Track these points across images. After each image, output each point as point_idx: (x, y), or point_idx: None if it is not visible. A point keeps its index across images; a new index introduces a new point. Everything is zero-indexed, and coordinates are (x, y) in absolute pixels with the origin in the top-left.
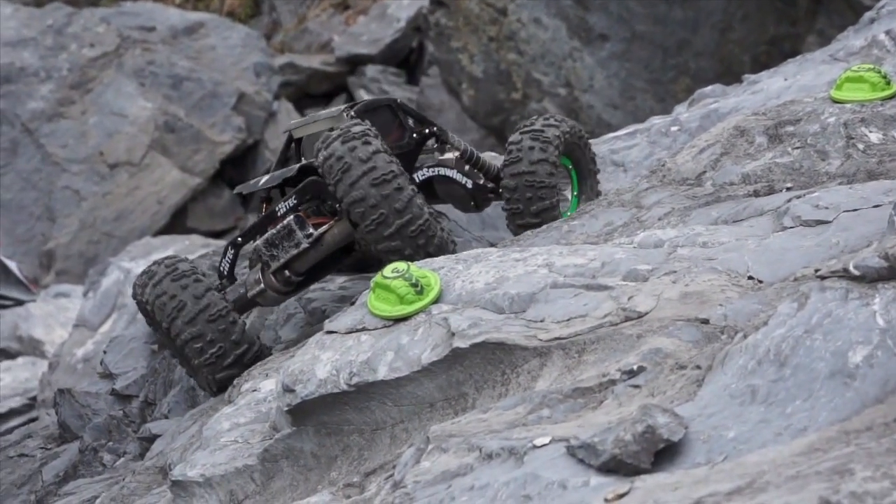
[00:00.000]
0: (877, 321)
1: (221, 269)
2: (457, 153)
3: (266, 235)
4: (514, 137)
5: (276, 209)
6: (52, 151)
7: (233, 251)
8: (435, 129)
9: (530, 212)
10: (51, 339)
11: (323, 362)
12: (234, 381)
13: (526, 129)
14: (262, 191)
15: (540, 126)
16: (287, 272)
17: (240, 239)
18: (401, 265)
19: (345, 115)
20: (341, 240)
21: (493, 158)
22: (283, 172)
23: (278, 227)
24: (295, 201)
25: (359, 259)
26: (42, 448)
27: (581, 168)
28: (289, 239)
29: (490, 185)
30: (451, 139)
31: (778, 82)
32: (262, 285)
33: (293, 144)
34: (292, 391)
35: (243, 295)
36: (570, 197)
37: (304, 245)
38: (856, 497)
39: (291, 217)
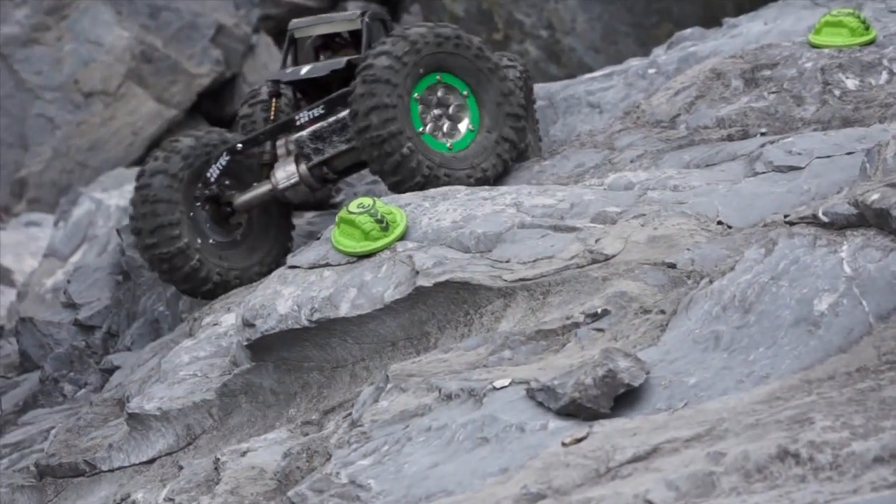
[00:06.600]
0: (844, 269)
1: (209, 175)
2: None
3: (313, 127)
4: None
5: (297, 117)
6: (26, 78)
7: (227, 157)
8: None
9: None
10: (20, 268)
11: (284, 297)
12: (196, 314)
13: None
14: (270, 86)
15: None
16: (325, 168)
17: (240, 146)
18: (366, 200)
19: (361, 21)
20: None
21: None
22: (329, 63)
23: (330, 120)
24: (322, 111)
25: None
26: (2, 377)
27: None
28: (340, 134)
29: None
30: None
31: (758, 26)
32: (297, 178)
33: (293, 45)
34: (252, 326)
35: (267, 190)
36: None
37: (357, 142)
38: (814, 446)
39: (347, 111)
